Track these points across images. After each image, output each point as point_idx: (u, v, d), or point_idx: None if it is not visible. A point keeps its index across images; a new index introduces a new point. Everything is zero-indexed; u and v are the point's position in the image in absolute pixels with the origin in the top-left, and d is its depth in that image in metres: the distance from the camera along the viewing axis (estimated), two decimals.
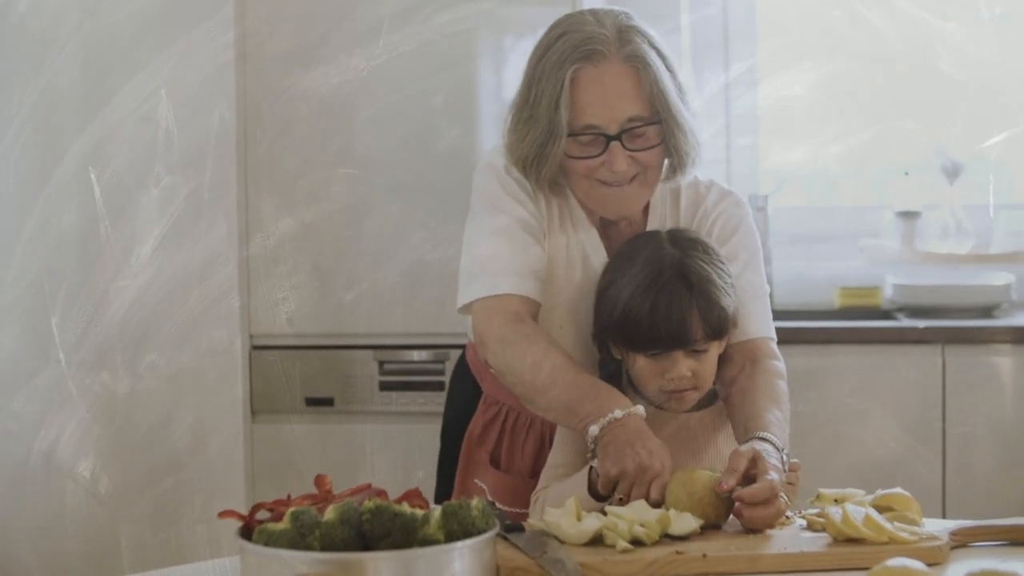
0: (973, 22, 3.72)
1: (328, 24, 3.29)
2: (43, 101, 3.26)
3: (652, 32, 2.09)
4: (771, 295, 3.69)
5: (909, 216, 3.74)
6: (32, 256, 3.26)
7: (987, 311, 3.55)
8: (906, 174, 3.79)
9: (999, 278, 3.62)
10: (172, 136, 3.24)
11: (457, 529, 1.54)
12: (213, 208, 3.27)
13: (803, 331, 3.37)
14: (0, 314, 3.29)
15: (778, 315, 3.65)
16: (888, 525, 1.75)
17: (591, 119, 2.04)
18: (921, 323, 3.36)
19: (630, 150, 2.05)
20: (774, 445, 1.92)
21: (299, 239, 3.32)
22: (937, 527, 1.81)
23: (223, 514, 1.64)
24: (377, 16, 3.25)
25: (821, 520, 1.81)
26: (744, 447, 1.89)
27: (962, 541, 1.80)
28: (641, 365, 2.04)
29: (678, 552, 1.72)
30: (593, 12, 2.09)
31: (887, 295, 3.70)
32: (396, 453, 3.26)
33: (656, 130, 2.06)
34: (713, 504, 1.83)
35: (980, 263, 3.67)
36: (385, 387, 3.32)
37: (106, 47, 3.25)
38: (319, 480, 1.73)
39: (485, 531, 1.55)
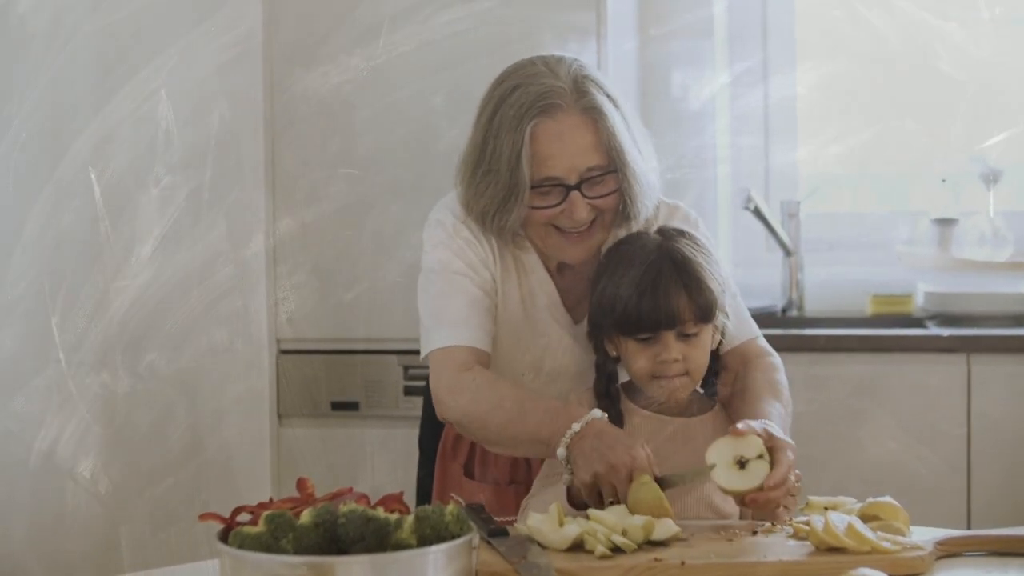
0: (973, 22, 3.72)
1: (328, 24, 3.29)
2: (43, 101, 3.26)
3: (604, 79, 2.13)
4: (802, 300, 3.74)
5: (945, 223, 3.69)
6: (32, 256, 3.26)
7: (1020, 320, 3.50)
8: (943, 181, 3.75)
9: None
10: (172, 136, 3.24)
11: (430, 534, 1.53)
12: (213, 208, 3.27)
13: (828, 338, 3.36)
14: (0, 314, 3.29)
15: (808, 322, 3.72)
16: (870, 534, 1.74)
17: (551, 171, 2.08)
18: (946, 331, 3.34)
19: (589, 198, 2.09)
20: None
21: (299, 239, 3.32)
22: (924, 536, 1.80)
23: (203, 516, 1.64)
24: (377, 16, 3.26)
25: (807, 528, 1.80)
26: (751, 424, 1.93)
27: (949, 551, 1.79)
28: (633, 351, 2.05)
29: (656, 559, 1.72)
30: (544, 61, 2.12)
31: (919, 303, 3.66)
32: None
33: (613, 177, 2.10)
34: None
35: (1016, 271, 3.61)
36: (410, 392, 3.32)
37: (106, 47, 3.25)
38: (301, 483, 1.72)
39: (459, 536, 1.54)
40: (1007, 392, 3.23)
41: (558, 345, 2.22)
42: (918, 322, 3.59)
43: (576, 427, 1.96)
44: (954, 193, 3.74)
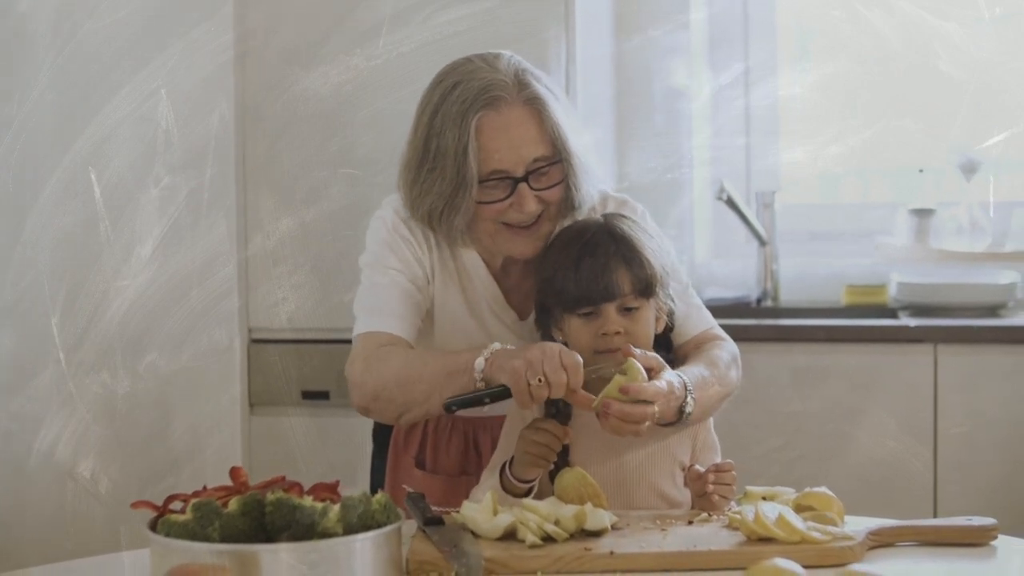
0: (973, 22, 3.72)
1: (328, 24, 3.29)
2: (43, 101, 3.26)
3: (541, 73, 2.15)
4: (778, 291, 3.75)
5: (922, 214, 3.70)
6: (32, 256, 3.26)
7: (992, 310, 3.51)
8: (920, 171, 3.76)
9: (1005, 277, 3.58)
10: (172, 136, 3.24)
11: (356, 522, 1.54)
12: (213, 208, 3.27)
13: (800, 329, 3.38)
14: (0, 314, 3.29)
15: (783, 312, 3.72)
16: (801, 525, 1.75)
17: (498, 164, 2.09)
18: (913, 322, 3.35)
19: (536, 190, 2.10)
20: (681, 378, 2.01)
21: (299, 239, 3.32)
22: (857, 527, 1.82)
23: (136, 504, 1.65)
24: (377, 16, 3.26)
25: (740, 518, 1.81)
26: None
27: (882, 541, 1.81)
28: (576, 328, 2.06)
29: (586, 548, 1.73)
30: (482, 58, 2.14)
31: (892, 293, 3.68)
32: None
33: (559, 168, 2.12)
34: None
35: (991, 261, 3.62)
36: None
37: (106, 47, 3.25)
38: (234, 472, 1.72)
39: (386, 525, 1.55)
40: (974, 382, 3.24)
41: (503, 342, 2.22)
42: (892, 312, 3.60)
43: (497, 346, 1.99)
44: (935, 184, 3.76)
